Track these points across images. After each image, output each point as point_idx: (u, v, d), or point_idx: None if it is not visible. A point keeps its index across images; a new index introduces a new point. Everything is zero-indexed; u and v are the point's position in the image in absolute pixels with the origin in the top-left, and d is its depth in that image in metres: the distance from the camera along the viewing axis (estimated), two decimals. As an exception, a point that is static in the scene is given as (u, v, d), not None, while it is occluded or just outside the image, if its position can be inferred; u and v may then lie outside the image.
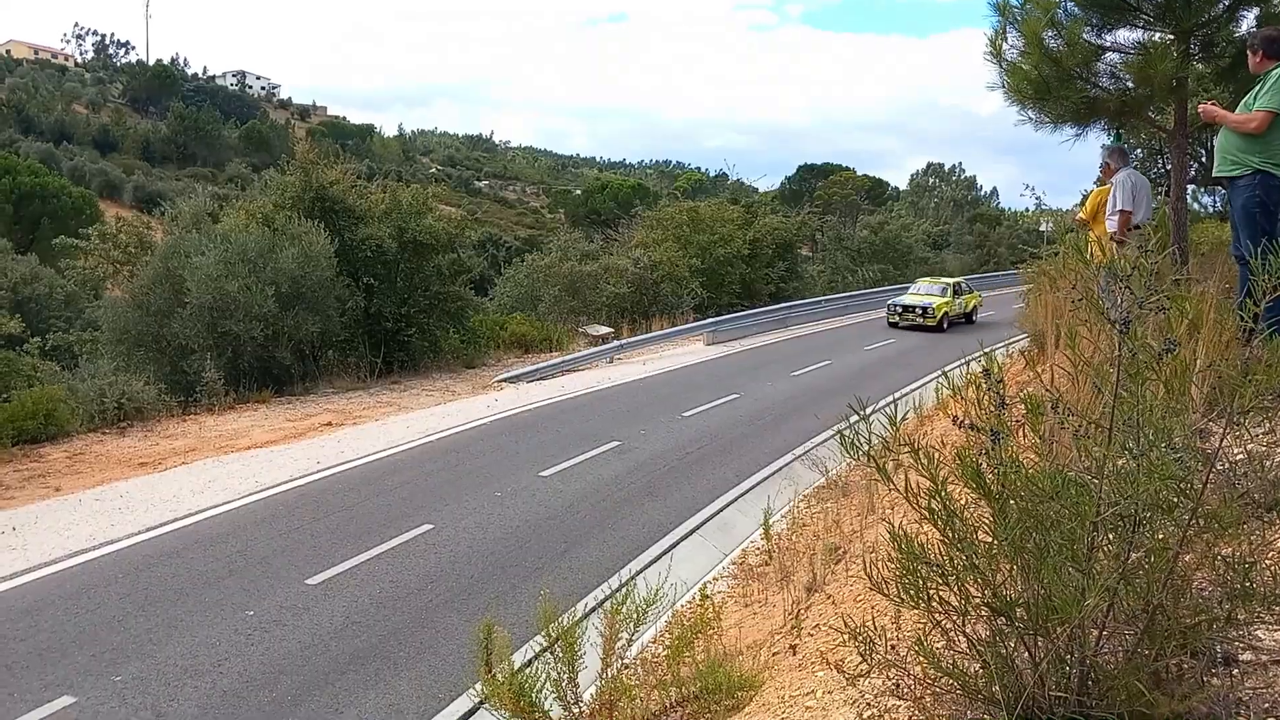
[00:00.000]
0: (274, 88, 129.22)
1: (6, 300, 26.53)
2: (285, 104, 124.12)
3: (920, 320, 27.02)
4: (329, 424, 15.64)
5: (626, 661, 4.80)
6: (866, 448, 2.65)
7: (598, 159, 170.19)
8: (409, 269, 21.06)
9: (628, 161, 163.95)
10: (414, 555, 9.43)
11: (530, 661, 4.25)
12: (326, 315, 18.62)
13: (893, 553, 2.54)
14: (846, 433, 2.66)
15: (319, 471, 12.32)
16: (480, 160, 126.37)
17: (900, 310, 27.69)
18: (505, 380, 20.42)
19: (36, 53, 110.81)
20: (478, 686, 4.19)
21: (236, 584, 8.60)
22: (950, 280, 29.68)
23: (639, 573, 8.70)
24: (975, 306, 29.20)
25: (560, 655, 4.17)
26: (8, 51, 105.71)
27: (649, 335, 25.92)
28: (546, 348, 25.34)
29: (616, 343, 24.76)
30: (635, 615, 4.34)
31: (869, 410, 2.73)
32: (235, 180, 65.55)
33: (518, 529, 10.28)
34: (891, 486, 2.58)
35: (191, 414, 16.27)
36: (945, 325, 26.93)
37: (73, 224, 35.47)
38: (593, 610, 5.43)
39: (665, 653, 6.28)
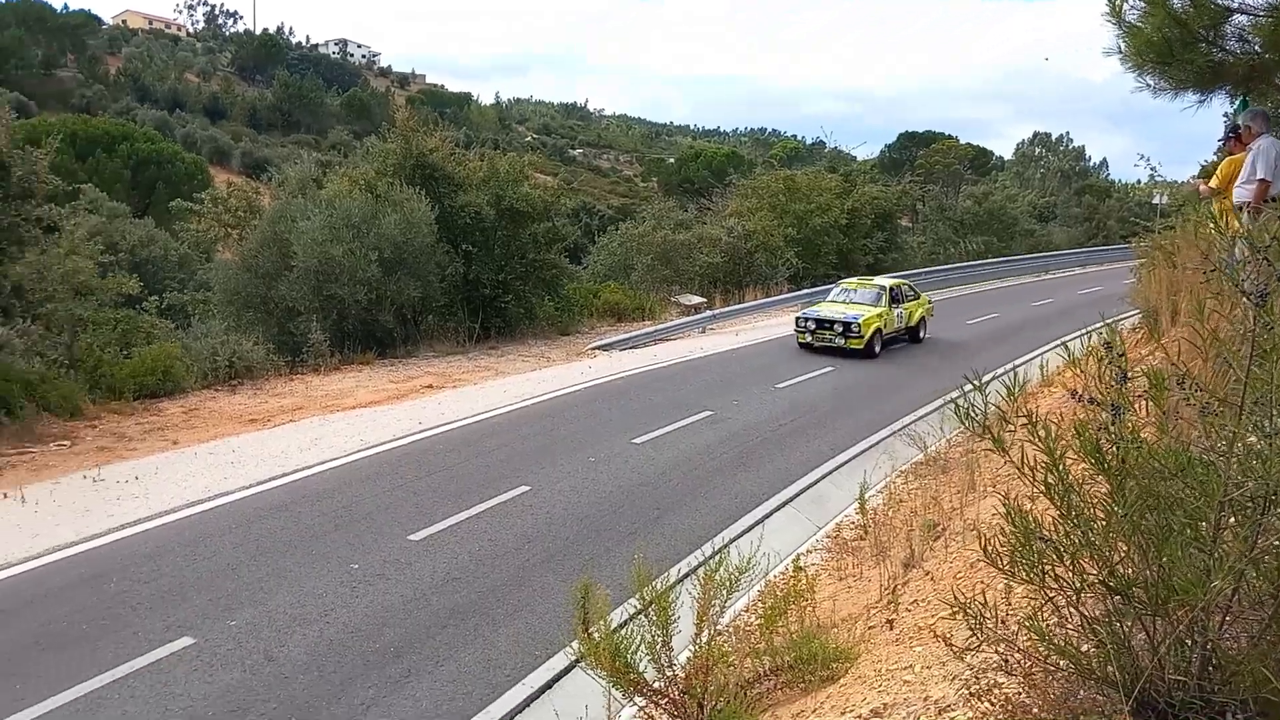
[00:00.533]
0: (374, 56, 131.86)
1: (126, 261, 27.73)
2: (385, 72, 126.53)
3: (841, 341, 18.90)
4: (429, 386, 16.02)
5: (719, 628, 4.82)
6: (981, 418, 2.60)
7: (692, 126, 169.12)
8: (506, 236, 21.33)
9: (722, 129, 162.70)
10: (512, 515, 9.63)
11: (624, 624, 4.30)
12: (427, 281, 19.04)
13: (1005, 527, 2.50)
14: (961, 402, 2.61)
15: (420, 432, 12.66)
16: (574, 129, 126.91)
17: (813, 326, 19.49)
18: (599, 348, 20.61)
19: (151, 23, 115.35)
20: (574, 645, 4.27)
21: (342, 538, 8.92)
22: (886, 282, 21.14)
23: (731, 541, 8.72)
24: (923, 318, 21.13)
25: (654, 619, 4.22)
26: (124, 22, 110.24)
27: (742, 305, 25.78)
28: (639, 316, 25.45)
29: (709, 313, 24.70)
30: (728, 582, 4.36)
31: (984, 381, 2.68)
32: (338, 147, 67.39)
33: (611, 494, 10.41)
34: (1007, 458, 2.53)
35: (298, 374, 16.85)
36: (877, 348, 19.19)
37: (185, 189, 36.92)
38: (685, 576, 5.46)
39: (758, 622, 6.29)
